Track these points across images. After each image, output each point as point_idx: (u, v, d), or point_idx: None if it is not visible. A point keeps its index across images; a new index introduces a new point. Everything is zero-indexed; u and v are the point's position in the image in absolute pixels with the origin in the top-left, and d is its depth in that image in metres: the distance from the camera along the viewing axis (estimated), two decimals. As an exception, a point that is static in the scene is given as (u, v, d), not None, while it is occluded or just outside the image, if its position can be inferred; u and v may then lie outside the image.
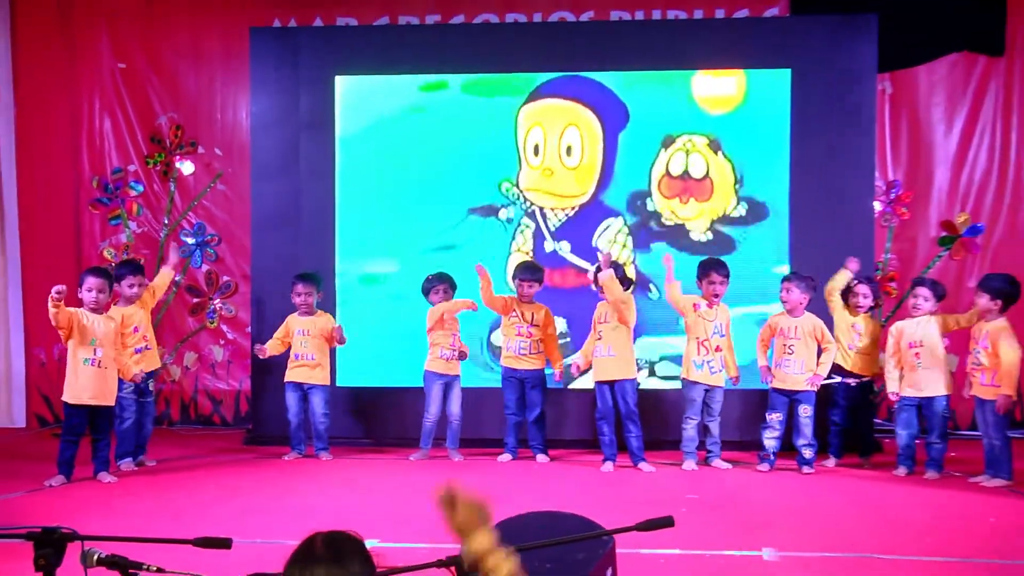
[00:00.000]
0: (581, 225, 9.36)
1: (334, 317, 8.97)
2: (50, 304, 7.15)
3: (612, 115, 9.30)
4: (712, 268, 8.20)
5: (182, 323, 10.37)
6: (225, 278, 10.36)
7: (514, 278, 8.69)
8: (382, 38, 9.72)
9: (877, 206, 9.44)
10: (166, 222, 10.38)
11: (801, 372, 8.02)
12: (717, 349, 8.11)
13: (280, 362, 8.79)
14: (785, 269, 8.88)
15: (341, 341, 8.70)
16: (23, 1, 10.37)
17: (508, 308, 8.60)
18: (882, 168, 9.64)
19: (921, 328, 7.85)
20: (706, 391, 8.13)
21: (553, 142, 9.32)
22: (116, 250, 10.37)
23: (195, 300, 10.39)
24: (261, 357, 8.70)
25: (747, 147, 9.15)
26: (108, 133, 10.41)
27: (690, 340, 8.18)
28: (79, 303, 7.54)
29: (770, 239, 9.14)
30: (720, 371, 8.15)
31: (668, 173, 9.24)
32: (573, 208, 9.35)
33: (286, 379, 8.69)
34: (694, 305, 8.14)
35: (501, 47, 9.50)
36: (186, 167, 10.34)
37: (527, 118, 9.35)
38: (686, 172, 9.20)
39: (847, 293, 8.30)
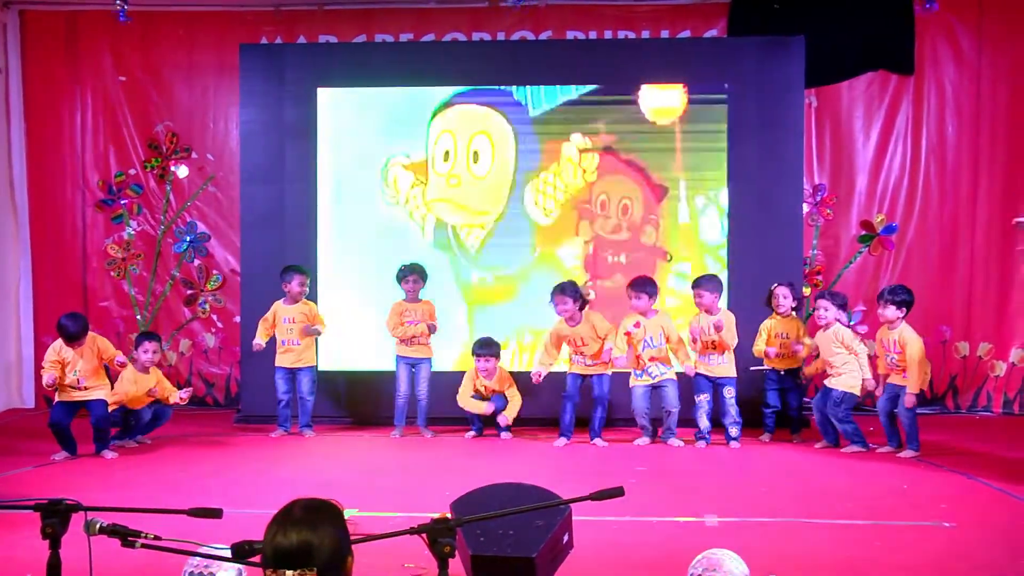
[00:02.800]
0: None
1: (315, 305, 8.91)
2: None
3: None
4: (635, 287, 8.11)
5: (177, 312, 10.29)
6: (215, 272, 10.29)
7: (472, 353, 8.55)
8: (360, 54, 9.66)
9: (805, 207, 9.49)
10: (163, 221, 10.29)
11: (722, 361, 8.09)
12: (652, 359, 8.07)
13: (268, 349, 8.73)
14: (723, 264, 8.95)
15: (317, 332, 8.67)
16: (33, 19, 10.25)
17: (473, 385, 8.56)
18: (809, 173, 9.70)
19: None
20: (653, 388, 8.12)
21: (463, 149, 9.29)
22: (119, 246, 10.28)
23: (189, 292, 10.31)
24: (256, 351, 8.63)
25: (689, 153, 9.17)
26: (110, 140, 10.30)
27: (624, 341, 8.10)
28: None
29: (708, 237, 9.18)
30: (662, 373, 8.10)
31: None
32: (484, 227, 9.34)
33: (276, 364, 8.64)
34: (627, 334, 8.07)
35: (468, 63, 9.45)
36: (181, 171, 10.25)
37: (438, 126, 9.31)
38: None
39: (769, 298, 8.33)
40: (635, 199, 9.21)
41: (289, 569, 2.28)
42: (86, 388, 7.53)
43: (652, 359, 8.08)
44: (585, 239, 9.24)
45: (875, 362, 8.08)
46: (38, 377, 10.14)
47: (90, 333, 7.68)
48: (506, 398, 8.50)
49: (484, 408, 8.45)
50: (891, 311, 7.66)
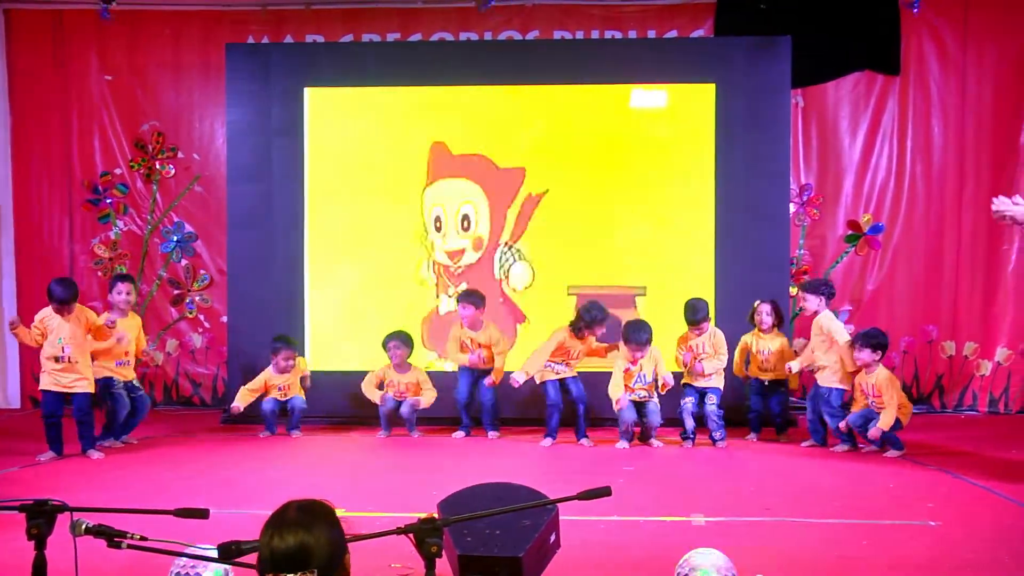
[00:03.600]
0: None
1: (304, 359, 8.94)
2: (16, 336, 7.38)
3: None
4: (630, 338, 8.01)
5: (164, 312, 10.26)
6: (202, 272, 10.26)
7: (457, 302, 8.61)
8: (347, 54, 9.65)
9: (791, 207, 9.52)
10: (149, 220, 10.26)
11: (710, 379, 8.13)
12: (642, 388, 8.09)
13: (255, 350, 8.72)
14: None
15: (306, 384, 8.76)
16: (18, 18, 10.20)
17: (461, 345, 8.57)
18: (795, 173, 9.73)
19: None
20: (639, 402, 8.12)
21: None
22: (105, 246, 10.25)
23: (176, 292, 10.28)
24: (235, 414, 8.57)
25: (676, 153, 9.18)
26: (96, 139, 10.26)
27: (621, 381, 8.06)
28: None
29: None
30: (649, 395, 8.10)
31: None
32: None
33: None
34: (625, 371, 8.05)
35: (455, 62, 9.44)
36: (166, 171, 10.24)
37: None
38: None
39: (752, 314, 8.34)
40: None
41: (288, 573, 2.27)
42: (73, 365, 7.43)
43: (643, 388, 8.10)
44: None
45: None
46: (24, 377, 10.16)
47: (78, 304, 7.63)
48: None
49: (467, 360, 8.48)
50: (867, 354, 7.64)
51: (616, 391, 8.00)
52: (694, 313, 8.16)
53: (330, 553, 2.33)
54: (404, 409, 8.48)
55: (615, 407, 8.01)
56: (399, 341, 8.59)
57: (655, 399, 8.13)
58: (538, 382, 8.22)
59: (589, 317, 8.15)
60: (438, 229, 9.34)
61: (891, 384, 7.63)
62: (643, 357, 8.04)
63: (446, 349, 8.74)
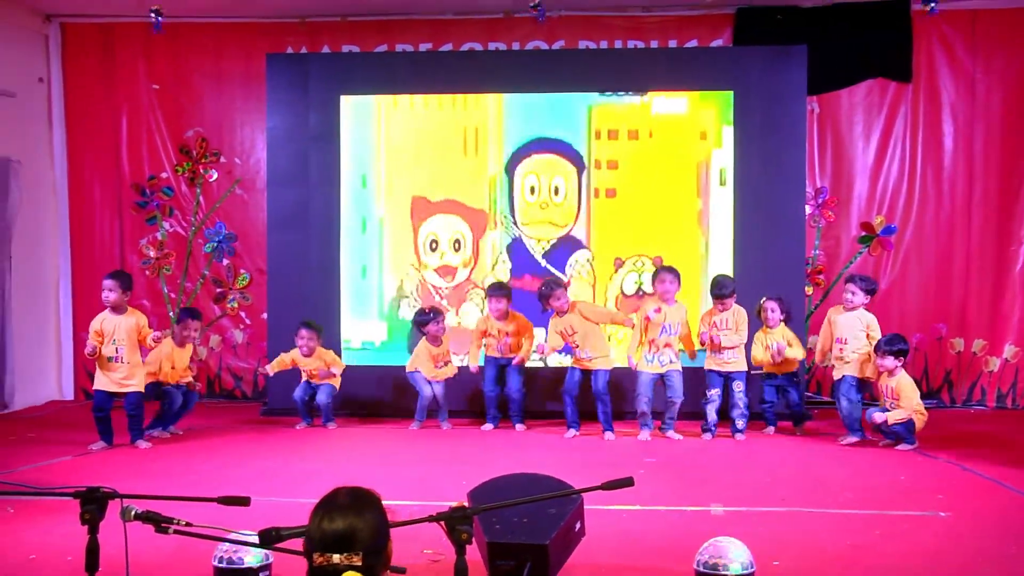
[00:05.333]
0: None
1: (332, 352, 8.90)
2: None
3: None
4: (664, 270, 8.20)
5: (207, 310, 10.30)
6: (243, 271, 10.32)
7: (485, 296, 8.60)
8: (381, 63, 9.67)
9: (807, 209, 9.46)
10: (193, 222, 10.34)
11: (734, 357, 8.07)
12: (666, 346, 8.02)
13: (293, 345, 8.74)
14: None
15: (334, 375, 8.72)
16: (72, 31, 10.31)
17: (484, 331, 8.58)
18: (811, 177, 9.66)
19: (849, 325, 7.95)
20: (661, 376, 8.09)
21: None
22: (152, 246, 10.34)
23: (218, 290, 10.35)
24: (265, 376, 8.67)
25: (695, 157, 9.14)
26: (144, 145, 10.35)
27: (642, 339, 8.07)
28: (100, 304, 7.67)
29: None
30: (672, 361, 8.05)
31: (623, 293, 9.24)
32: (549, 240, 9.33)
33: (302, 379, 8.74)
34: (646, 318, 8.03)
35: (484, 70, 9.46)
36: (210, 175, 10.32)
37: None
38: (640, 290, 9.19)
39: (759, 311, 8.29)
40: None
41: (336, 553, 2.29)
42: (125, 365, 7.50)
43: (667, 345, 8.03)
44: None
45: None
46: (78, 371, 10.26)
47: (130, 307, 7.74)
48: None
49: (496, 348, 8.48)
50: (889, 361, 7.60)
51: (633, 349, 8.02)
52: (720, 288, 8.11)
53: (375, 538, 2.35)
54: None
55: (630, 364, 8.02)
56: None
57: (678, 366, 8.06)
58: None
59: (545, 289, 8.19)
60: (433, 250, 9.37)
61: (911, 391, 7.60)
62: (667, 302, 8.03)
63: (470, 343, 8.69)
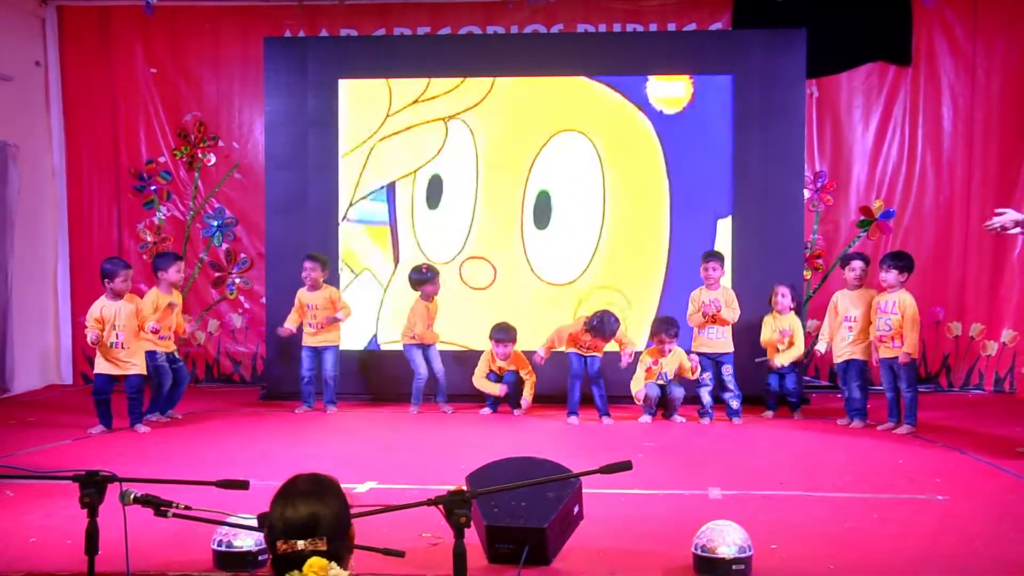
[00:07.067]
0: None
1: (337, 290, 8.92)
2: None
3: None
4: (662, 330, 8.08)
5: (206, 294, 10.32)
6: (242, 255, 10.31)
7: (491, 338, 8.52)
8: (379, 47, 9.62)
9: (806, 193, 9.45)
10: (191, 206, 10.32)
11: (721, 337, 8.11)
12: (663, 384, 8.11)
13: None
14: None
15: (339, 320, 8.66)
16: (70, 15, 10.28)
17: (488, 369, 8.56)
18: (810, 161, 9.65)
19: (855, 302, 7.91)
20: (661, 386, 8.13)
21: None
22: (150, 231, 10.33)
23: (217, 274, 10.34)
24: (285, 335, 8.64)
25: (696, 141, 9.12)
26: (141, 129, 10.32)
27: (643, 377, 8.09)
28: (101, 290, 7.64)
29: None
30: (670, 377, 8.11)
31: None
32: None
33: (303, 343, 8.65)
34: (647, 370, 8.06)
35: (482, 54, 9.44)
36: (208, 159, 10.29)
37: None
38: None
39: (771, 296, 8.28)
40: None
41: (300, 540, 2.29)
42: (125, 350, 7.50)
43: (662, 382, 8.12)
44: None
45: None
46: (76, 355, 10.26)
47: (130, 292, 7.72)
48: (520, 376, 8.50)
49: (498, 390, 8.46)
50: (893, 275, 7.59)
51: (637, 386, 8.04)
52: (709, 256, 8.24)
53: (338, 523, 2.35)
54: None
55: (636, 401, 8.05)
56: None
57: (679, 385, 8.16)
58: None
59: (601, 328, 8.01)
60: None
61: (911, 302, 7.51)
62: (671, 351, 8.03)
63: (475, 374, 8.63)
